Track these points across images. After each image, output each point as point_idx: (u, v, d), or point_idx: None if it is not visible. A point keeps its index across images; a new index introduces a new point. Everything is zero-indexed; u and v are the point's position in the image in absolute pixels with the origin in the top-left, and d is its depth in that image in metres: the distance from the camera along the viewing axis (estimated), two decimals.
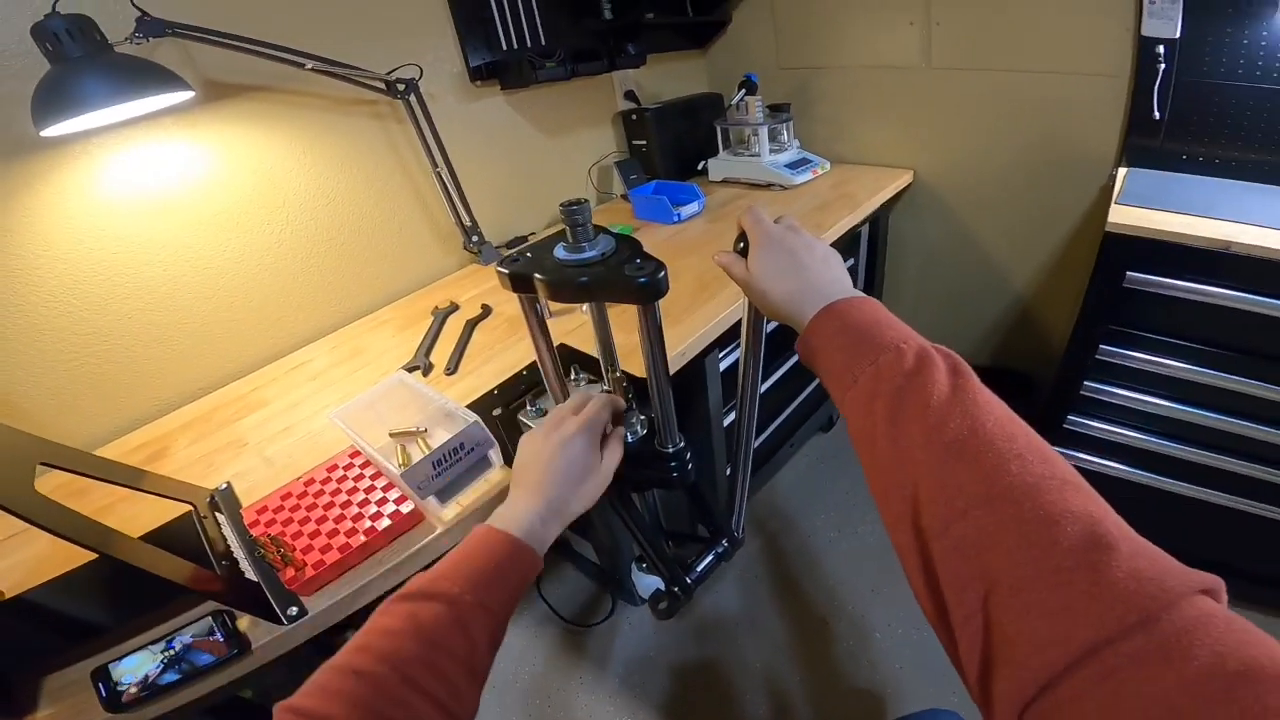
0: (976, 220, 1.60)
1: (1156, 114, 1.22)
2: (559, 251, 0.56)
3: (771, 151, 1.58)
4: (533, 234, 1.58)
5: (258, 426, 1.02)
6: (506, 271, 0.57)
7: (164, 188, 1.08)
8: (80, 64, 0.75)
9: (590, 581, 1.64)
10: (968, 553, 0.30)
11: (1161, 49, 1.16)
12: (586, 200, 0.55)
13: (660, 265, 0.52)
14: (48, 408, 1.05)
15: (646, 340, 0.57)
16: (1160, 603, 0.23)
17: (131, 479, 0.80)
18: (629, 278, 0.52)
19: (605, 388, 0.79)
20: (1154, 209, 1.10)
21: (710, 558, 0.86)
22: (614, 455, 0.61)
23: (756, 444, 1.49)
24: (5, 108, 0.89)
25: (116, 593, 0.77)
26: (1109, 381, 1.21)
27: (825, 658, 1.41)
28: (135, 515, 0.85)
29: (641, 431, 0.71)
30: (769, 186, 1.57)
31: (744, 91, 1.55)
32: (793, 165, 1.55)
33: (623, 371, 0.72)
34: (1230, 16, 1.10)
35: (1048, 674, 0.24)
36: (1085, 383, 1.22)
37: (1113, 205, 1.13)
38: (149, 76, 0.80)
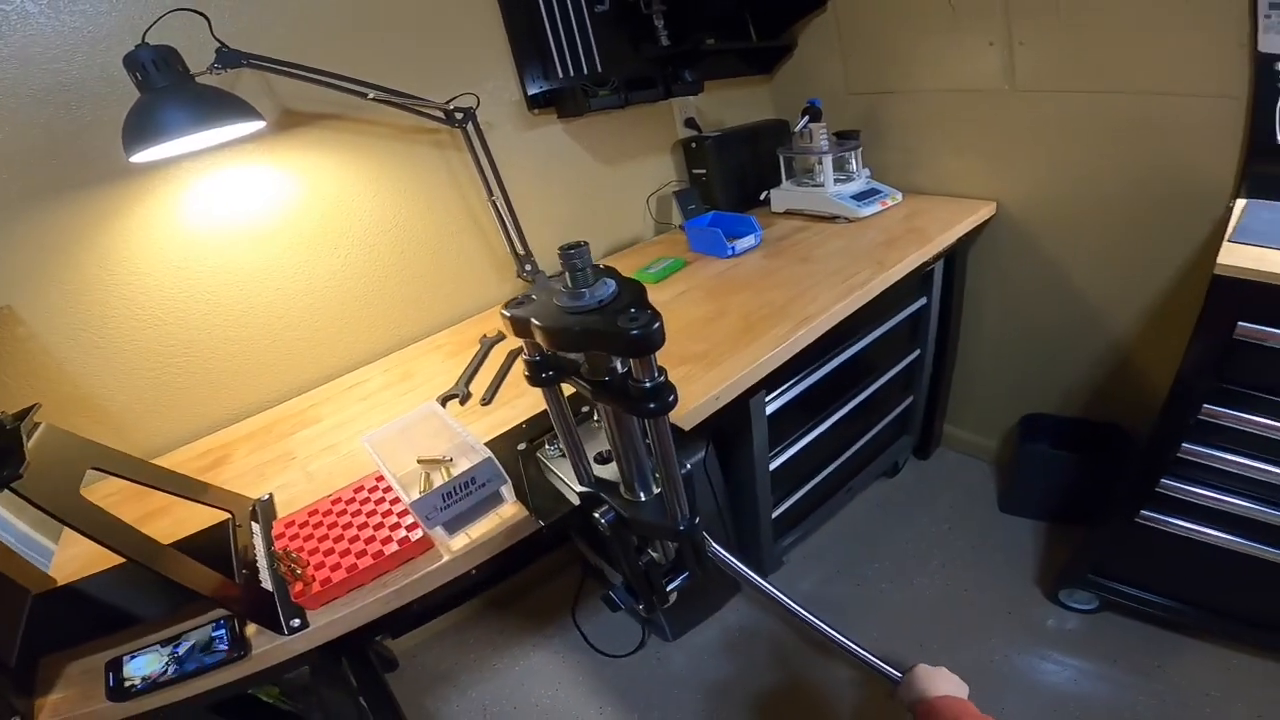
0: (1068, 257, 1.45)
1: None
2: (558, 298, 0.55)
3: (837, 181, 1.51)
4: None
5: (308, 442, 1.08)
6: (509, 315, 0.57)
7: (243, 213, 1.16)
8: (165, 94, 0.81)
9: (623, 613, 1.62)
10: None
11: None
12: (585, 243, 0.53)
13: (655, 316, 0.49)
14: (131, 412, 1.14)
15: (652, 435, 0.55)
16: None
17: (176, 486, 0.86)
18: (622, 330, 0.49)
19: None
20: (1274, 248, 0.95)
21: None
22: None
23: (813, 484, 1.44)
24: (108, 134, 0.97)
25: (145, 589, 0.83)
26: (1212, 444, 1.06)
27: (860, 713, 1.33)
28: (186, 518, 0.91)
29: (656, 490, 0.68)
30: (834, 219, 1.50)
31: (807, 118, 1.50)
32: (859, 196, 1.48)
33: None
34: None
35: None
36: (1184, 444, 1.07)
37: (1224, 243, 0.99)
38: (225, 106, 0.86)
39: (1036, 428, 1.62)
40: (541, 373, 0.61)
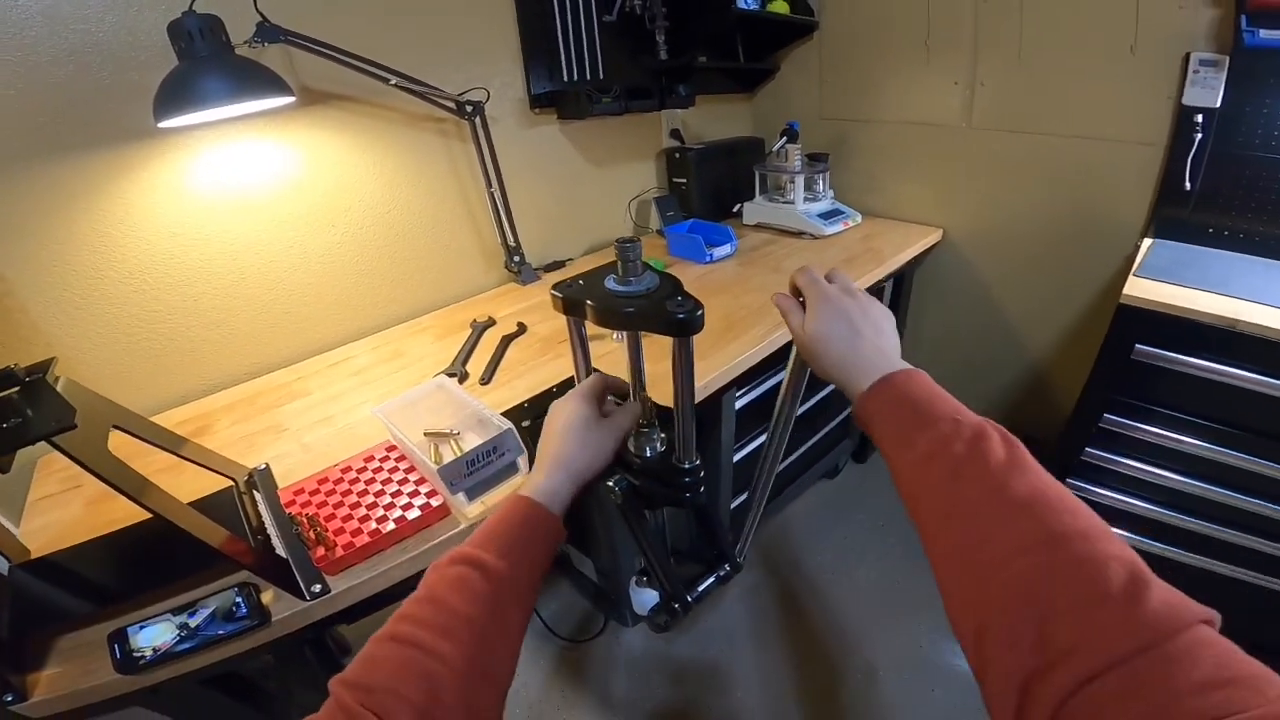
0: (1000, 282, 1.64)
1: (1188, 184, 1.24)
2: (609, 282, 0.63)
3: (806, 200, 1.64)
4: (570, 260, 1.66)
5: (298, 414, 1.09)
6: (560, 295, 0.64)
7: (247, 185, 1.17)
8: (205, 63, 0.82)
9: (584, 599, 1.68)
10: (1025, 584, 0.36)
11: (1200, 118, 1.19)
12: (639, 240, 0.61)
13: (699, 304, 0.58)
14: (103, 375, 1.12)
15: (678, 368, 0.62)
16: (1179, 625, 0.30)
17: (187, 450, 0.85)
18: (669, 313, 0.58)
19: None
20: (1170, 283, 1.12)
21: (711, 579, 0.90)
22: (623, 415, 0.67)
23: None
24: (123, 97, 0.98)
25: (141, 561, 0.81)
26: (1112, 450, 1.23)
27: (812, 690, 1.44)
28: (176, 486, 0.88)
29: (660, 449, 0.77)
30: (800, 234, 1.62)
31: (785, 139, 1.62)
32: (825, 215, 1.61)
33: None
34: (1273, 88, 1.12)
35: (1088, 673, 0.30)
36: (1087, 449, 1.25)
37: (1130, 277, 1.16)
38: (262, 80, 0.88)
39: None
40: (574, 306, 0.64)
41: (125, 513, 0.86)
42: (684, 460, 0.72)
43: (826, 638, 1.55)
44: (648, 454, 0.77)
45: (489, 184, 1.36)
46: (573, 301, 0.63)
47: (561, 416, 0.64)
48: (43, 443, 0.61)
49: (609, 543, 1.32)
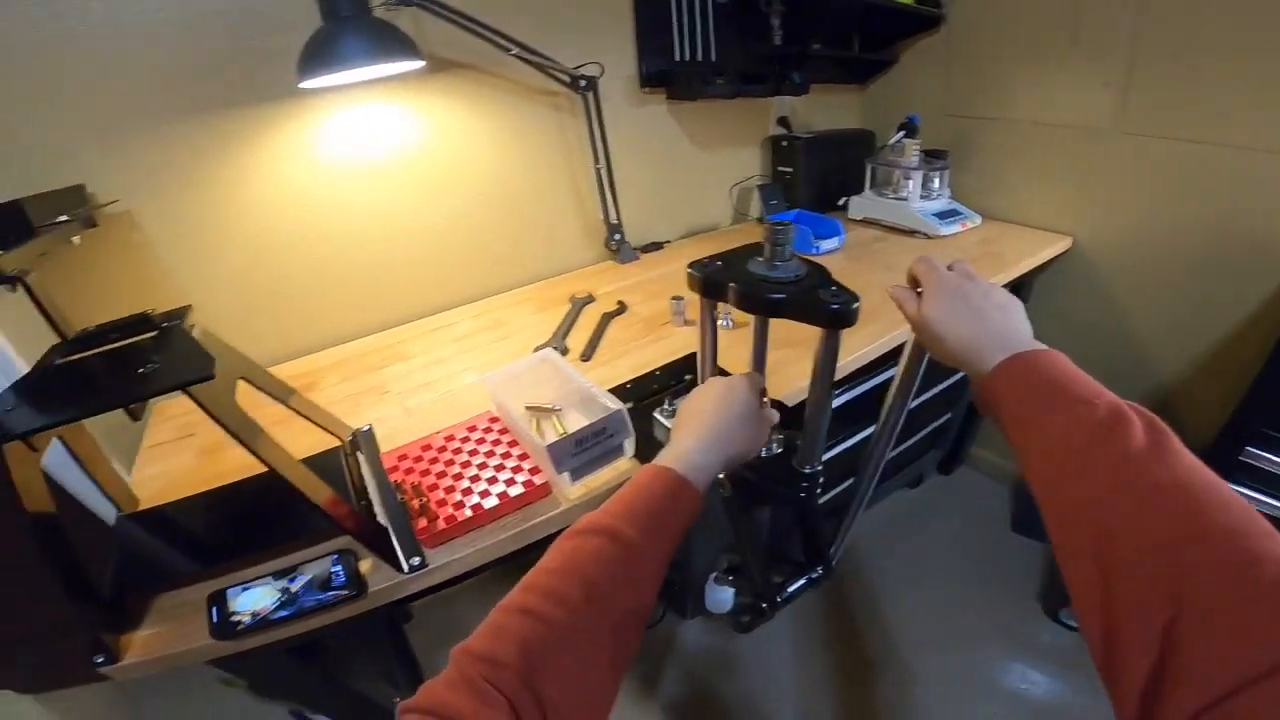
0: (1129, 300, 1.49)
1: None
2: (754, 266, 0.59)
3: (921, 197, 1.55)
4: (667, 242, 1.62)
5: (400, 377, 1.10)
6: (699, 275, 0.60)
7: (371, 150, 1.19)
8: (347, 24, 0.83)
9: None
10: (1161, 583, 0.32)
11: None
12: (792, 224, 0.57)
13: (854, 296, 0.54)
14: (225, 325, 1.15)
15: (820, 364, 0.58)
16: None
17: (296, 402, 0.84)
18: (823, 302, 0.53)
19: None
20: None
21: (803, 581, 0.86)
22: (772, 415, 0.65)
23: (844, 485, 1.47)
24: (263, 59, 1.02)
25: (244, 520, 0.80)
26: (1247, 484, 1.14)
27: (860, 703, 1.39)
28: (285, 442, 0.92)
29: (777, 450, 0.73)
30: (912, 233, 1.53)
31: (903, 133, 1.53)
32: (942, 215, 1.51)
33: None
34: None
35: (1227, 688, 0.27)
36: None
37: None
38: (398, 42, 0.89)
39: None
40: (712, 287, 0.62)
41: (234, 465, 0.87)
42: (805, 464, 0.68)
43: (880, 650, 1.49)
44: (763, 454, 0.73)
45: (597, 160, 1.34)
46: (712, 282, 0.60)
47: (728, 395, 0.61)
48: None
49: (687, 534, 1.29)
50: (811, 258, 1.40)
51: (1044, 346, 0.49)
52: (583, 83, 1.25)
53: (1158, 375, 1.49)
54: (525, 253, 1.45)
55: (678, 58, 1.42)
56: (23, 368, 0.98)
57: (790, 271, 0.57)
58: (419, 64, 0.94)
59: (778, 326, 0.67)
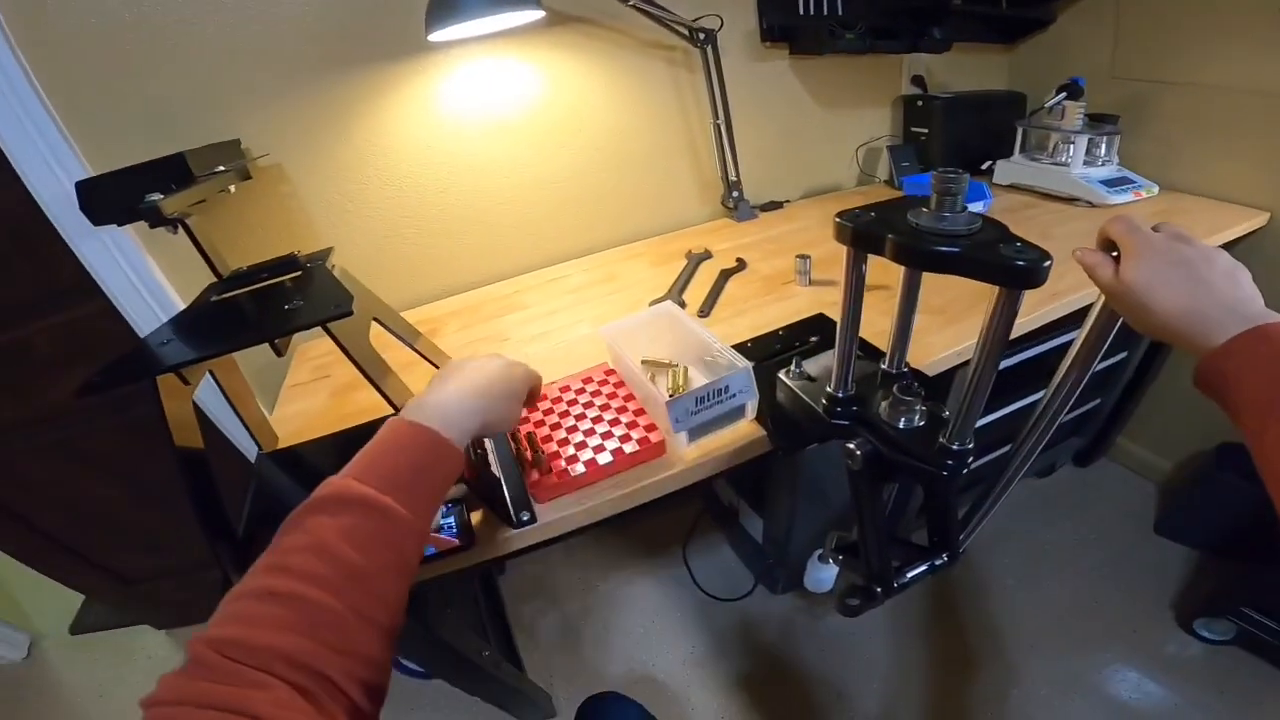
0: None
1: None
2: (916, 217, 0.53)
3: (1084, 164, 1.37)
4: (787, 201, 1.56)
5: (519, 326, 1.12)
6: (850, 225, 0.55)
7: (491, 104, 1.21)
8: None
9: (736, 557, 1.64)
10: None
11: None
12: (964, 171, 0.51)
13: (1045, 254, 0.47)
14: (359, 270, 1.22)
15: (993, 328, 0.52)
16: None
17: (423, 346, 0.88)
18: (1005, 258, 0.47)
19: (882, 365, 0.75)
20: None
21: (924, 567, 0.80)
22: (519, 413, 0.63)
23: (982, 461, 1.35)
24: (394, 15, 1.05)
25: None
26: None
27: (955, 696, 1.31)
28: (411, 384, 0.96)
29: (920, 423, 0.67)
30: (1073, 201, 1.37)
31: (1064, 94, 1.36)
32: (1110, 182, 1.34)
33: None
34: None
35: None
36: None
37: None
38: None
39: (1231, 458, 1.47)
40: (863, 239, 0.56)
41: (364, 405, 0.92)
42: (956, 441, 0.61)
43: (982, 645, 1.39)
44: (901, 425, 0.67)
45: (715, 116, 1.29)
46: (864, 234, 0.55)
47: (507, 371, 0.59)
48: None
49: (790, 507, 1.24)
50: None
51: None
52: (701, 36, 1.20)
53: None
54: (640, 208, 1.43)
55: (802, 11, 1.32)
56: (180, 305, 1.08)
57: (962, 223, 0.51)
58: (539, 14, 0.94)
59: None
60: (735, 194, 1.40)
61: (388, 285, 1.25)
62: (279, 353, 0.85)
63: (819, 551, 1.00)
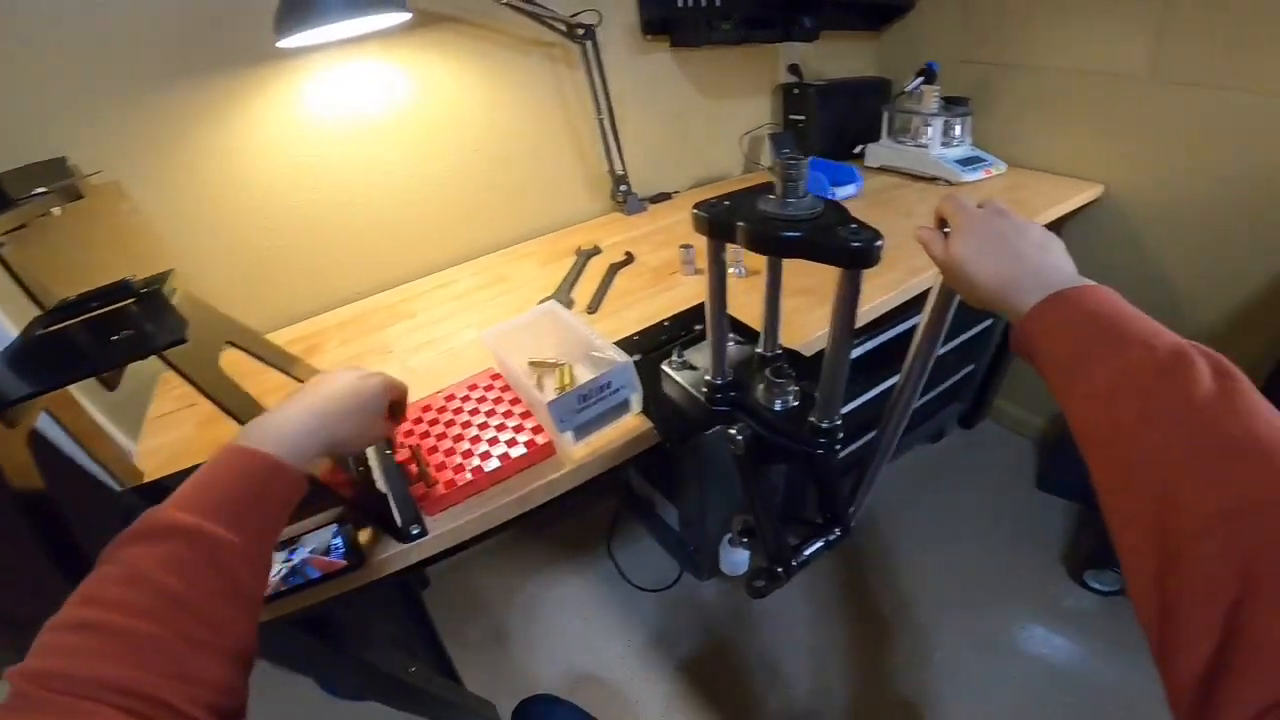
0: (1161, 251, 1.42)
1: None
2: (764, 204, 0.54)
3: (942, 145, 1.47)
4: (676, 192, 1.58)
5: (403, 336, 1.08)
6: (705, 215, 0.56)
7: (359, 109, 1.14)
8: None
9: (659, 548, 1.66)
10: (1230, 557, 0.28)
11: None
12: (805, 156, 0.53)
13: (877, 234, 0.50)
14: (220, 291, 1.12)
15: (840, 309, 0.54)
16: None
17: (298, 370, 0.82)
18: (843, 240, 0.49)
19: (758, 349, 0.77)
20: None
21: (820, 544, 0.83)
22: (387, 427, 0.64)
23: (862, 441, 1.42)
24: (244, 22, 0.97)
25: None
26: None
27: (877, 663, 1.39)
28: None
29: (794, 404, 0.69)
30: (934, 180, 1.47)
31: (922, 79, 1.46)
32: (964, 161, 1.44)
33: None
34: None
35: None
36: None
37: None
38: None
39: None
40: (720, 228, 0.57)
41: (233, 434, 0.86)
42: (823, 419, 0.64)
43: (897, 610, 1.48)
44: (777, 407, 0.69)
45: (599, 111, 1.29)
46: (719, 223, 0.56)
47: (358, 386, 0.58)
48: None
49: (699, 493, 1.26)
50: None
51: (1090, 282, 0.44)
52: (580, 31, 1.19)
53: (1192, 329, 1.42)
54: (526, 207, 1.41)
55: (680, 3, 1.33)
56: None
57: (805, 208, 0.53)
58: (405, 16, 0.89)
59: (791, 273, 0.63)
60: (623, 188, 1.40)
61: (261, 302, 1.18)
62: (109, 386, 0.78)
63: (728, 535, 1.03)
